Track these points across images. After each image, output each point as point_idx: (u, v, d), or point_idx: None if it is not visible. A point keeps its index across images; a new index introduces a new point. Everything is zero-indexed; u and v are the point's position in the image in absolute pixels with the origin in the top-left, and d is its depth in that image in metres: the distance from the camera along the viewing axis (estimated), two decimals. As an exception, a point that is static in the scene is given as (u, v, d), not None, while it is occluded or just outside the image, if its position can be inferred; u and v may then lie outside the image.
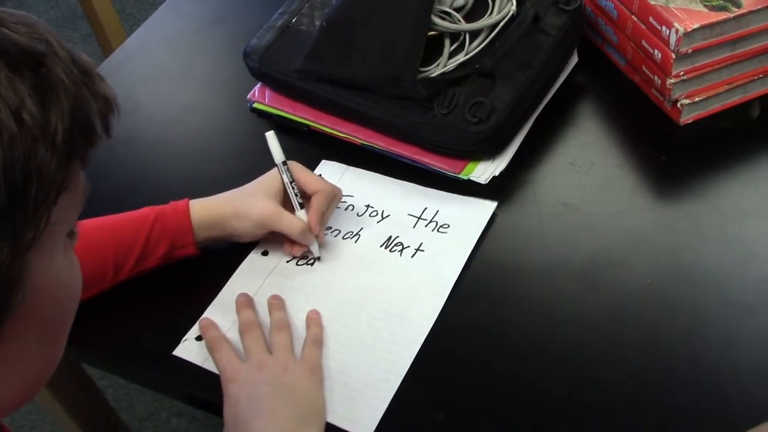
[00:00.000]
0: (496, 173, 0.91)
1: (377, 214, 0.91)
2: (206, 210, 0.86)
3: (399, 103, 0.93)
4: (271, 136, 0.89)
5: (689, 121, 0.93)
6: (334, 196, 0.88)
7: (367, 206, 0.92)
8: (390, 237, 0.88)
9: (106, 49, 2.36)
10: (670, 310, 0.78)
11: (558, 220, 0.87)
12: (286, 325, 0.81)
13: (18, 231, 0.44)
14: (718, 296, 0.79)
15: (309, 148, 1.01)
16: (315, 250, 0.87)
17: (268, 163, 0.92)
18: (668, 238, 0.84)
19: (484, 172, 0.91)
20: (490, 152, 0.91)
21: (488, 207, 0.89)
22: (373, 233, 0.89)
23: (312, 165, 0.98)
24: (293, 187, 0.86)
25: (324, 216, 0.87)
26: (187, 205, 0.86)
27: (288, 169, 0.87)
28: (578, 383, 0.74)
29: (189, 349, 0.82)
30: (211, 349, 0.80)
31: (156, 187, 1.01)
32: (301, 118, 1.02)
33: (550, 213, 0.88)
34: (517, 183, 0.92)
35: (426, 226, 0.89)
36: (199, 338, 0.82)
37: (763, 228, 0.83)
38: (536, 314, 0.80)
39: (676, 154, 0.93)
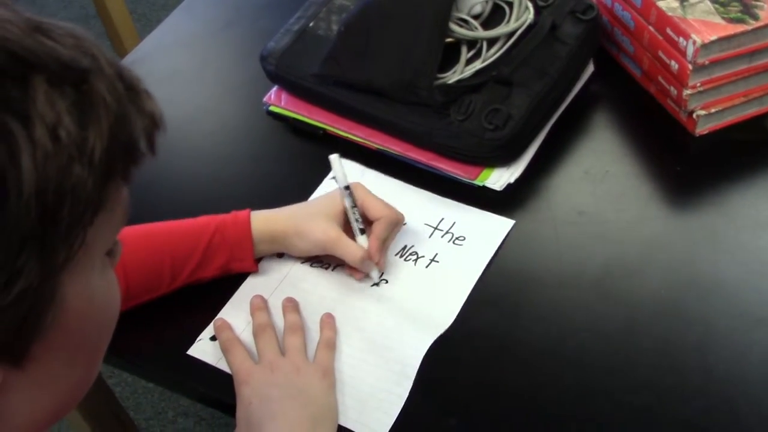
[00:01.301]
0: (511, 180, 0.91)
1: None
2: (269, 224, 0.86)
3: (415, 108, 0.94)
4: (335, 160, 0.88)
5: (704, 133, 0.93)
6: (397, 223, 0.87)
7: None
8: (405, 246, 0.88)
9: (119, 48, 2.38)
10: (683, 321, 0.78)
11: (572, 228, 0.88)
12: (299, 328, 0.81)
13: (49, 251, 0.42)
14: (731, 308, 0.79)
15: (324, 151, 1.01)
16: (375, 275, 0.86)
17: (283, 165, 0.93)
18: (682, 248, 0.85)
19: (499, 179, 0.91)
20: (505, 159, 0.92)
21: (506, 224, 0.89)
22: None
23: (328, 169, 0.99)
24: (355, 212, 0.85)
25: (385, 243, 0.86)
26: (249, 217, 0.86)
27: (351, 194, 0.86)
28: (589, 392, 0.75)
29: (203, 349, 0.82)
30: (224, 351, 0.80)
31: (171, 187, 1.01)
32: (317, 121, 1.02)
33: (564, 221, 0.89)
34: (532, 191, 0.92)
35: (442, 237, 0.89)
36: (213, 338, 0.83)
37: (777, 240, 0.84)
38: (549, 322, 0.80)
39: (690, 164, 0.93)
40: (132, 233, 0.80)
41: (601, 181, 0.92)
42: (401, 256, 0.88)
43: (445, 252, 0.87)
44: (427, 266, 0.86)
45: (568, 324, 0.80)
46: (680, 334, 0.78)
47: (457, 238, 0.88)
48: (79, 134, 0.43)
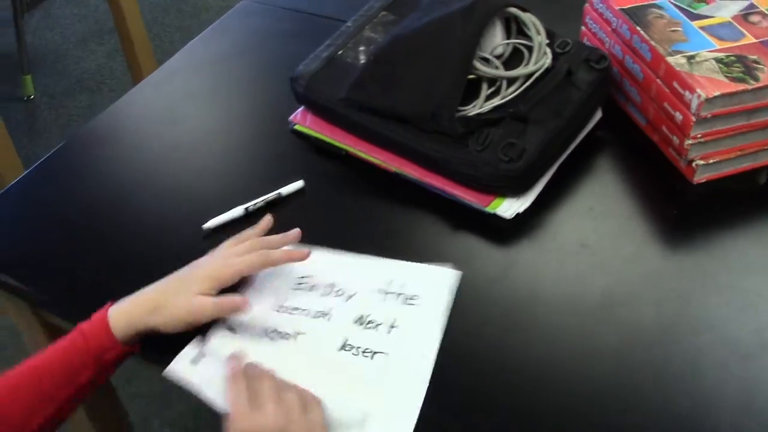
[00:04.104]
0: (521, 210, 0.98)
1: (343, 292, 0.91)
2: (126, 313, 0.85)
3: (436, 137, 1.00)
4: None
5: (702, 181, 1.00)
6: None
7: (332, 285, 0.92)
8: (362, 316, 0.88)
9: (133, 63, 2.44)
10: (672, 351, 0.84)
11: (574, 259, 0.94)
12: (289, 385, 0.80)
13: None
14: (718, 342, 0.85)
15: (345, 171, 1.08)
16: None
17: (305, 181, 0.99)
18: (675, 285, 0.91)
19: (509, 207, 0.98)
20: (517, 190, 0.98)
21: (452, 275, 0.91)
22: (344, 312, 0.89)
23: (348, 188, 1.06)
24: None
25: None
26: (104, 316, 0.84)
27: None
28: (581, 411, 0.80)
29: (181, 371, 0.83)
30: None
31: (192, 199, 1.07)
32: (340, 142, 1.09)
33: (567, 251, 0.95)
34: (539, 222, 0.98)
35: (396, 299, 0.89)
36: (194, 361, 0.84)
37: (765, 282, 0.90)
38: (547, 343, 0.86)
39: (687, 209, 1.00)
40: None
41: (603, 219, 0.99)
42: (361, 324, 0.87)
43: (402, 315, 0.88)
44: (389, 333, 0.86)
45: (565, 345, 0.86)
46: (669, 363, 0.83)
47: (409, 298, 0.89)
48: None
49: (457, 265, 0.93)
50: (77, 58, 2.89)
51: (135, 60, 2.40)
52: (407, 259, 0.95)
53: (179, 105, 1.23)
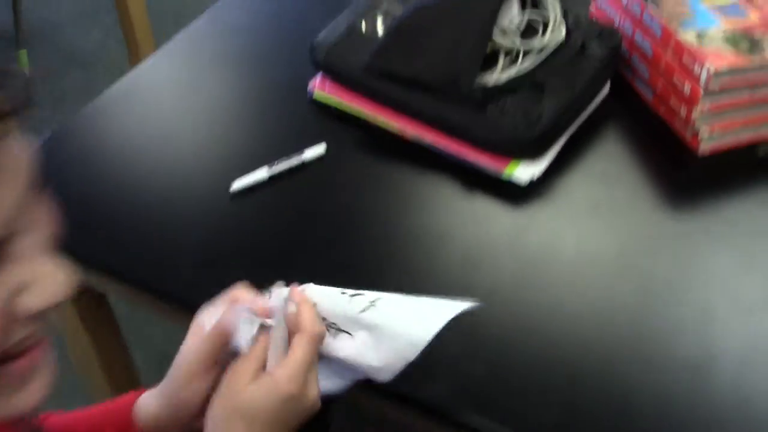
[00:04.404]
0: (536, 174, 1.02)
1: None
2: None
3: (456, 104, 1.04)
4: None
5: (707, 152, 1.05)
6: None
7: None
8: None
9: (131, 42, 2.45)
10: (681, 305, 0.89)
11: (587, 221, 0.99)
12: None
13: None
14: (726, 296, 0.90)
15: (363, 137, 1.12)
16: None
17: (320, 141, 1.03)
18: (684, 245, 0.96)
19: (524, 172, 1.02)
20: (534, 154, 1.03)
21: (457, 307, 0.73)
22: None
23: (366, 153, 1.09)
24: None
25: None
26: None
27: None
28: (591, 364, 0.85)
29: None
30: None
31: (215, 164, 1.11)
32: (359, 109, 1.13)
33: (580, 214, 1.00)
34: (552, 186, 1.03)
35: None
36: None
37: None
38: (564, 299, 0.91)
39: (693, 177, 1.06)
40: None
41: (613, 184, 1.04)
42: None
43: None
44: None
45: (584, 299, 0.90)
46: (679, 317, 0.88)
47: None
48: None
49: (473, 226, 0.98)
50: (72, 35, 2.90)
51: (133, 38, 2.41)
52: (424, 221, 0.99)
53: (201, 71, 1.26)
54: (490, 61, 1.06)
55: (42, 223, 0.52)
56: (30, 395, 0.55)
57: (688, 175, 1.06)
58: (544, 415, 0.81)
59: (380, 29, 1.16)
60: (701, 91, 1.00)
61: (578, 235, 0.98)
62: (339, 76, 1.15)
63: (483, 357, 0.85)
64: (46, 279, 0.51)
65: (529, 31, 1.10)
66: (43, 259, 0.52)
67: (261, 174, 1.05)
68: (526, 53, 1.07)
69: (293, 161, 1.07)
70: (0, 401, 0.53)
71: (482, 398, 0.82)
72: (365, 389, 0.78)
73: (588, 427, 0.80)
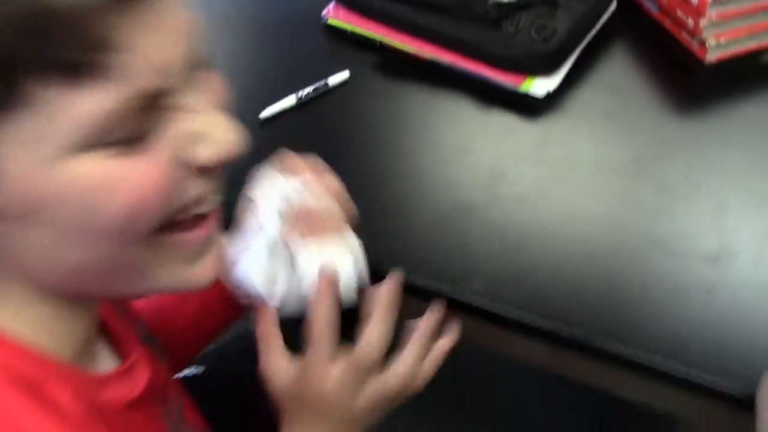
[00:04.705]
0: (552, 88, 1.06)
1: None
2: None
3: (470, 23, 1.08)
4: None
5: (713, 61, 1.09)
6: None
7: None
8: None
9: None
10: (696, 199, 0.94)
11: (603, 128, 1.04)
12: None
13: None
14: (741, 192, 0.95)
15: (381, 61, 1.15)
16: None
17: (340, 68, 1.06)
18: (696, 146, 1.01)
19: (540, 86, 1.06)
20: (549, 69, 1.06)
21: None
22: None
23: (385, 77, 1.13)
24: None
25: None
26: None
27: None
28: (604, 262, 0.90)
29: None
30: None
31: (237, 98, 1.14)
32: (374, 33, 1.16)
33: (595, 123, 1.04)
34: (567, 99, 1.07)
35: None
36: None
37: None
38: (584, 200, 0.96)
39: (701, 84, 1.10)
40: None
41: (624, 94, 1.08)
42: None
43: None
44: None
45: (602, 200, 0.95)
46: (695, 210, 0.93)
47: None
48: None
49: (494, 139, 1.03)
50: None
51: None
52: (447, 137, 1.04)
53: (212, 3, 1.29)
54: (502, -19, 1.10)
55: (210, 87, 0.53)
56: (204, 270, 0.55)
57: (696, 83, 1.10)
58: (572, 306, 0.86)
59: (390, -45, 1.19)
60: (709, 0, 1.04)
61: (595, 143, 1.02)
62: (352, 2, 1.18)
63: (513, 258, 0.90)
64: (216, 132, 0.52)
65: (538, -50, 1.13)
66: (215, 115, 0.53)
67: (289, 101, 1.08)
68: (536, -29, 1.11)
69: (320, 88, 1.10)
70: (175, 274, 0.54)
71: (515, 294, 0.87)
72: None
73: (613, 315, 0.85)
